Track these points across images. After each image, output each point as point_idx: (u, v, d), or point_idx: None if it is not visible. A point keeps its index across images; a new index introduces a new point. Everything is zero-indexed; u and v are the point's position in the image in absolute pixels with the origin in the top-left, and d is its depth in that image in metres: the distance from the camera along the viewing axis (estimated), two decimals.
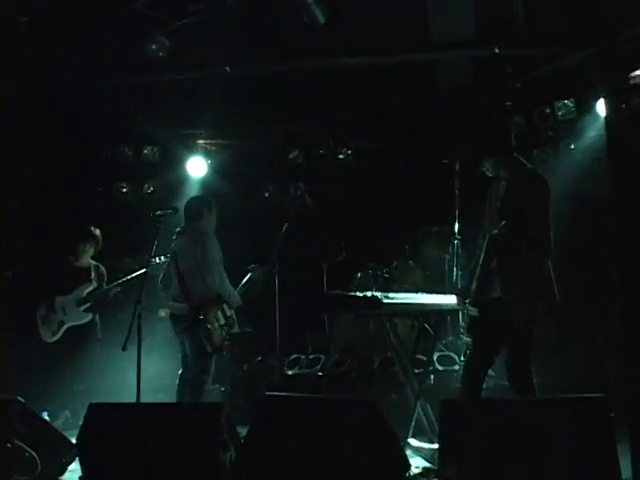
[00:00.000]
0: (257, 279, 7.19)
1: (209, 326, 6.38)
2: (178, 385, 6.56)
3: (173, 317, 6.61)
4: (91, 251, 8.03)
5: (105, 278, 8.03)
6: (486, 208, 5.15)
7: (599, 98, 7.42)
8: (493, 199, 5.08)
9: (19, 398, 5.09)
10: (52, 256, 8.28)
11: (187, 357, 6.55)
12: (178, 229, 6.78)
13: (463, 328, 5.22)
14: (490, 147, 5.04)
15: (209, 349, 6.39)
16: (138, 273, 7.31)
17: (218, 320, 6.47)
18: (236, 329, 6.90)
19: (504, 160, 5.01)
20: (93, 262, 8.06)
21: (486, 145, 5.06)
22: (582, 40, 7.02)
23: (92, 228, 8.04)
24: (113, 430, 4.40)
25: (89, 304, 7.81)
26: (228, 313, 6.56)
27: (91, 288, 7.89)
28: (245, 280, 7.05)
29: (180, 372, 6.62)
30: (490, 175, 5.10)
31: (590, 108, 7.79)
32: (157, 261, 6.82)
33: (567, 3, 6.71)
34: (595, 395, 3.76)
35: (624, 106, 7.03)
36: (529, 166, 5.10)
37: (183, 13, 7.16)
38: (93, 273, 7.97)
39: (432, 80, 8.58)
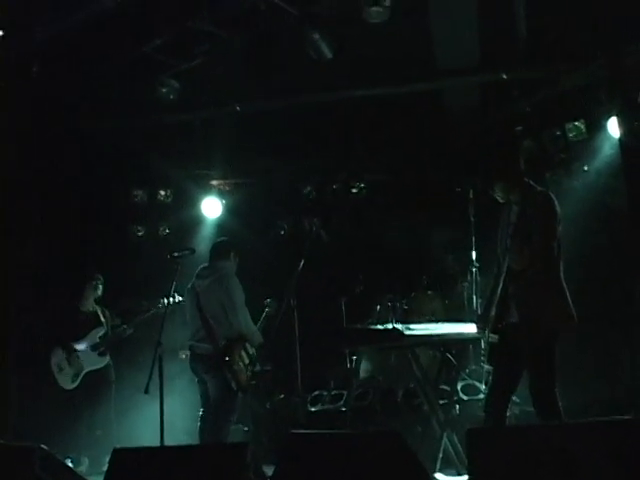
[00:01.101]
0: (274, 314, 7.20)
1: (235, 367, 6.38)
2: (200, 426, 6.52)
3: (195, 357, 6.59)
4: (94, 295, 8.07)
5: (110, 320, 8.10)
6: (499, 234, 5.12)
7: (610, 117, 7.38)
8: (505, 224, 5.05)
9: (42, 445, 5.04)
10: (63, 303, 8.31)
11: (208, 397, 6.50)
12: (200, 269, 6.78)
13: (483, 356, 5.14)
14: (498, 172, 5.01)
15: (235, 389, 6.38)
16: (149, 313, 7.52)
17: (243, 360, 6.49)
18: (257, 367, 6.87)
19: (514, 184, 4.98)
20: (97, 306, 8.11)
21: (494, 170, 5.04)
22: (586, 57, 7.04)
23: (93, 272, 8.09)
24: (138, 475, 4.36)
25: (103, 348, 7.84)
26: (250, 352, 6.58)
27: (103, 332, 7.94)
28: (263, 316, 7.08)
29: (201, 413, 6.58)
30: (501, 201, 5.07)
31: (602, 127, 7.68)
32: (172, 301, 6.81)
33: (569, 22, 6.73)
34: (628, 417, 3.67)
35: (636, 124, 7.00)
36: (539, 189, 5.05)
37: (190, 55, 7.25)
38: (101, 316, 8.03)
39: (440, 107, 8.60)
